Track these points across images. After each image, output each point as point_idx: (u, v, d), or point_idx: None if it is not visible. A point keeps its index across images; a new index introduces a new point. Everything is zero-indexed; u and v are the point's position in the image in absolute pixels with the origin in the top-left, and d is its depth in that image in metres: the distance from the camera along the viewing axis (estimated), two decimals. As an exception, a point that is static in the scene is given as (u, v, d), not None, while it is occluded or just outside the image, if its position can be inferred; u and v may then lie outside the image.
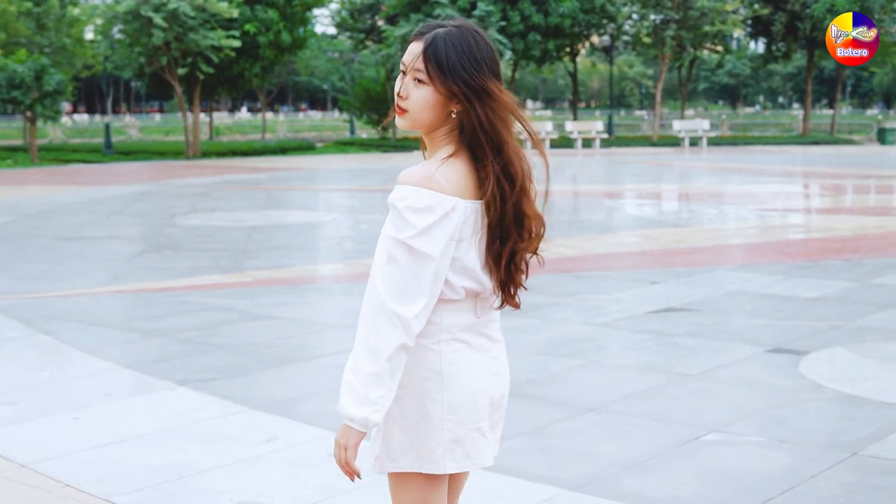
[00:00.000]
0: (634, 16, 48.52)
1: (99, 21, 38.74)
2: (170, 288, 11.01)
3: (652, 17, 46.59)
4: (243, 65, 38.88)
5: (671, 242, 14.37)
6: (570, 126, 45.48)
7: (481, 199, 2.75)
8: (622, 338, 8.36)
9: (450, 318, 2.80)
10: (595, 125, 46.00)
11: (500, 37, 42.78)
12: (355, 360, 2.69)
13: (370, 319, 2.66)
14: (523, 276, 2.89)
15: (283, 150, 40.97)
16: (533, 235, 2.85)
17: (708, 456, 5.49)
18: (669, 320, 8.99)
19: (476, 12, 42.03)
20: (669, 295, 10.18)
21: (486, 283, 2.82)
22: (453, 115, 2.77)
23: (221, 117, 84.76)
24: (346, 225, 17.26)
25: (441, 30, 2.77)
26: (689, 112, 70.45)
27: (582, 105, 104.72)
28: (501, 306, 2.88)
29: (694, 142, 44.26)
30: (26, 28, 40.73)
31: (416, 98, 2.76)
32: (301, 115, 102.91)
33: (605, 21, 48.96)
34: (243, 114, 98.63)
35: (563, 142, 44.53)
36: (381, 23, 49.77)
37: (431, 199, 2.67)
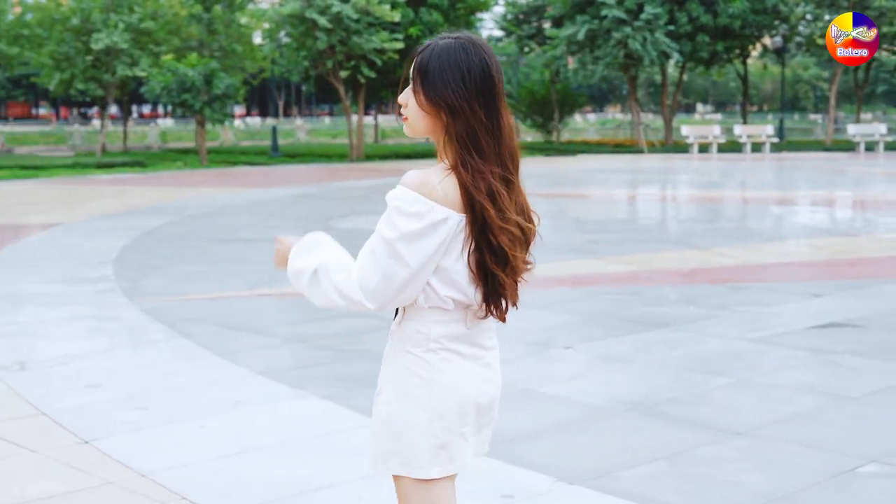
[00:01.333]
0: (808, 16, 46.98)
1: (266, 25, 39.40)
2: (316, 292, 10.92)
3: (826, 17, 44.95)
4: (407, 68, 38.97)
5: (839, 252, 13.67)
6: (739, 130, 44.28)
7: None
8: (778, 355, 7.87)
9: (438, 329, 2.86)
10: (765, 129, 44.61)
11: (666, 39, 41.98)
12: (331, 275, 2.81)
13: (346, 282, 2.77)
14: (510, 292, 2.88)
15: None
16: (516, 254, 2.84)
17: (864, 489, 5.04)
18: (831, 337, 8.45)
19: (643, 15, 41.36)
20: (833, 309, 9.61)
21: (475, 296, 2.84)
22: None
23: (389, 120, 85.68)
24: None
25: (440, 41, 2.84)
26: (866, 116, 68.02)
27: (754, 108, 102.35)
28: (485, 317, 2.90)
29: (870, 147, 42.57)
30: (198, 32, 41.73)
31: (411, 106, 2.85)
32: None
33: (777, 22, 47.57)
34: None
35: (732, 146, 43.43)
36: (546, 25, 49.47)
37: (422, 206, 2.72)
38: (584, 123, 73.03)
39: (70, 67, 39.46)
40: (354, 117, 39.62)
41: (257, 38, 45.69)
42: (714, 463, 5.44)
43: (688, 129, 44.26)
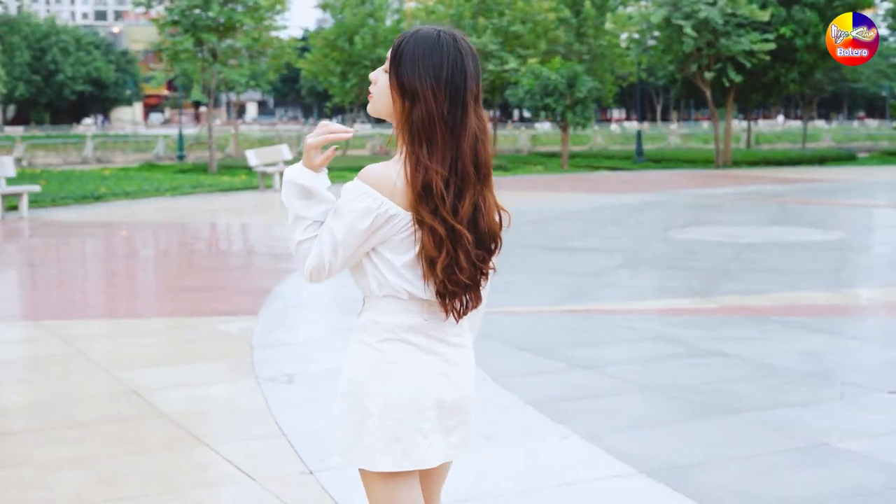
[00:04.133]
0: None
1: (634, 30, 38.68)
2: (625, 310, 10.13)
3: None
4: (778, 70, 37.04)
5: None
6: None
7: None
8: None
9: (393, 318, 2.83)
10: None
11: None
12: (292, 239, 2.89)
13: (296, 251, 2.88)
14: (458, 291, 2.81)
15: (820, 160, 38.73)
16: (439, 254, 2.75)
17: None
18: None
19: None
20: None
21: (426, 291, 2.81)
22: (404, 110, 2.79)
23: (771, 125, 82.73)
24: (855, 246, 15.36)
25: (423, 29, 2.81)
26: None
27: None
28: (445, 313, 2.85)
29: None
30: (565, 36, 41.57)
31: (380, 84, 2.85)
32: (856, 123, 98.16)
33: None
34: (779, 121, 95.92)
35: None
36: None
37: (372, 202, 2.73)
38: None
39: (439, 70, 40.46)
40: (722, 122, 38.14)
41: (622, 42, 45.04)
42: None
43: None
